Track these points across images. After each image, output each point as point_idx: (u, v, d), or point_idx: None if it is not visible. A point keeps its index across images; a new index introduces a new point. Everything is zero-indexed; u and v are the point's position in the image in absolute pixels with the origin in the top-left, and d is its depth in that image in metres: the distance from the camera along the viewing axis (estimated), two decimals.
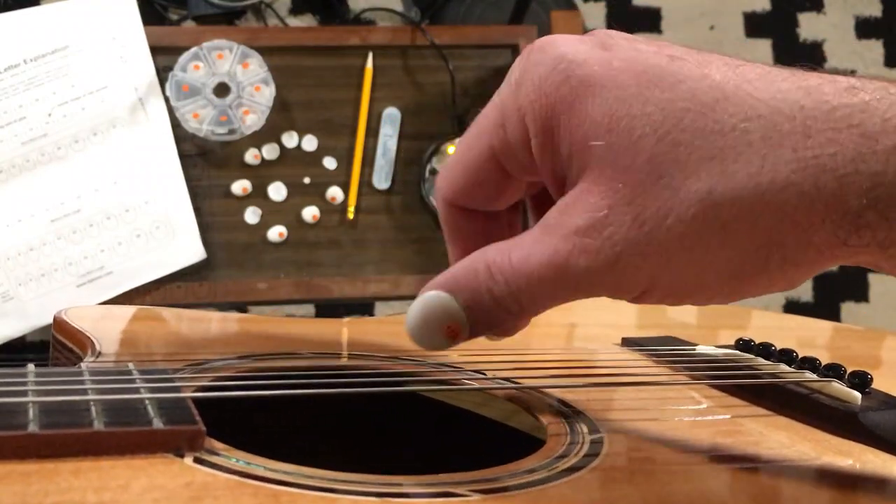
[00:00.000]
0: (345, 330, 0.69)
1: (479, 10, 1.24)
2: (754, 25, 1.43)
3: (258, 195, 1.14)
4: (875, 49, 1.43)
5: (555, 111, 0.40)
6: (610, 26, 1.67)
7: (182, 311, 0.70)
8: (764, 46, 1.48)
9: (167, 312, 0.69)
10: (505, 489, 0.39)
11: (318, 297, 1.17)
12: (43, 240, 1.09)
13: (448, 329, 0.43)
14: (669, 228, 0.37)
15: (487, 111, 0.44)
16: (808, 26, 1.44)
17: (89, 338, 0.56)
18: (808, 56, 1.47)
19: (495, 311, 0.42)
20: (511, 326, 0.46)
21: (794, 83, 0.37)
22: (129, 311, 0.71)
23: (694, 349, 0.67)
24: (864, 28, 1.43)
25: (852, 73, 0.38)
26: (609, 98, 0.38)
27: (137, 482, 0.35)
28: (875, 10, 1.43)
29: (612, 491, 0.41)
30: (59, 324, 0.59)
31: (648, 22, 1.55)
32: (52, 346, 0.60)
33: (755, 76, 0.38)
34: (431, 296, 0.43)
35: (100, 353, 0.54)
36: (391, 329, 0.69)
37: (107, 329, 0.60)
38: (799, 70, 0.39)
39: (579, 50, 0.40)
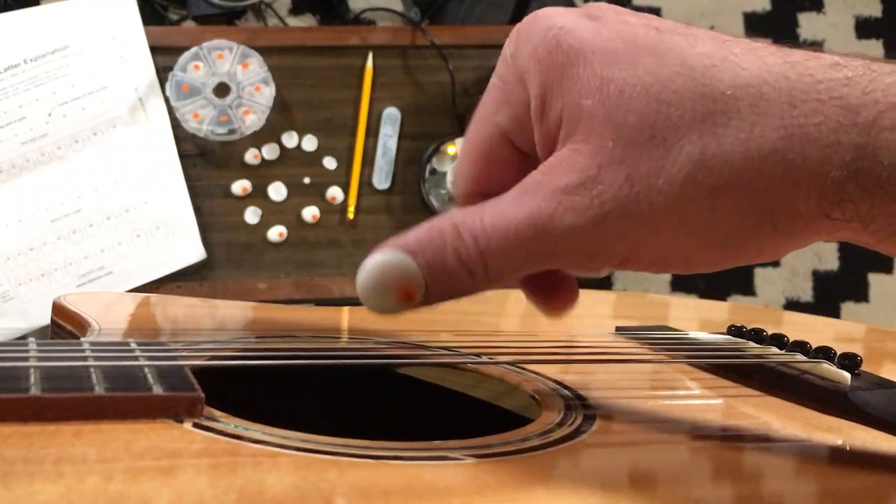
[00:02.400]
0: (345, 316, 0.69)
1: (479, 10, 1.24)
2: (754, 25, 1.44)
3: (258, 195, 1.14)
4: (875, 49, 1.43)
5: (548, 77, 0.40)
6: None
7: (181, 299, 0.70)
8: None
9: (167, 299, 0.70)
10: (498, 454, 0.40)
11: (318, 297, 1.17)
12: (43, 240, 1.09)
13: (403, 292, 0.40)
14: (660, 190, 0.37)
15: (487, 96, 0.44)
16: (808, 26, 1.44)
17: (88, 321, 0.56)
18: None
19: (458, 274, 0.40)
20: (468, 294, 0.42)
21: (779, 57, 0.38)
22: (128, 297, 0.71)
23: (686, 335, 0.67)
24: (864, 28, 1.44)
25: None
26: (599, 62, 0.39)
27: (138, 444, 0.35)
28: (875, 10, 1.43)
29: (601, 460, 0.42)
30: (58, 308, 0.60)
31: None
32: (51, 329, 0.60)
33: (740, 50, 0.38)
34: (387, 254, 0.40)
35: (99, 333, 0.54)
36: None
37: (106, 313, 0.60)
38: (784, 46, 0.39)
39: (568, 19, 0.40)
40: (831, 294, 1.45)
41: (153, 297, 0.70)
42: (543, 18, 0.41)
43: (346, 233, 1.17)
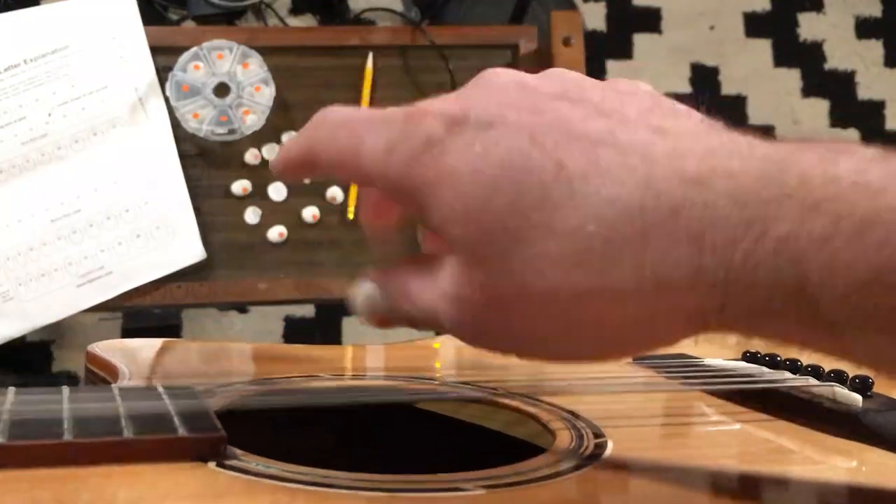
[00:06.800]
0: (361, 355, 0.71)
1: (479, 10, 1.24)
2: (754, 25, 1.44)
3: (258, 195, 1.14)
4: (875, 49, 1.43)
5: (422, 192, 0.39)
6: (609, 26, 1.67)
7: (202, 343, 0.72)
8: (764, 46, 1.48)
9: (192, 344, 0.72)
10: (510, 484, 0.41)
11: (318, 297, 1.17)
12: (43, 240, 1.09)
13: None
14: (513, 325, 0.39)
15: (376, 138, 0.42)
16: (808, 26, 1.44)
17: (118, 367, 0.59)
18: (808, 56, 1.47)
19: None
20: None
21: (640, 176, 0.36)
22: (155, 342, 0.74)
23: (702, 361, 0.68)
24: (864, 28, 1.44)
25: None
26: (465, 189, 0.38)
27: (164, 483, 0.36)
28: (875, 10, 1.43)
29: (614, 488, 0.43)
30: (91, 356, 0.63)
31: (648, 22, 1.56)
32: (84, 375, 0.64)
33: (607, 165, 0.36)
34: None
35: (129, 379, 0.57)
36: (406, 353, 0.71)
37: (134, 359, 0.63)
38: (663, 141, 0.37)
39: (451, 132, 0.39)
40: None
41: (177, 341, 0.73)
42: (428, 122, 0.40)
43: (346, 233, 1.17)
